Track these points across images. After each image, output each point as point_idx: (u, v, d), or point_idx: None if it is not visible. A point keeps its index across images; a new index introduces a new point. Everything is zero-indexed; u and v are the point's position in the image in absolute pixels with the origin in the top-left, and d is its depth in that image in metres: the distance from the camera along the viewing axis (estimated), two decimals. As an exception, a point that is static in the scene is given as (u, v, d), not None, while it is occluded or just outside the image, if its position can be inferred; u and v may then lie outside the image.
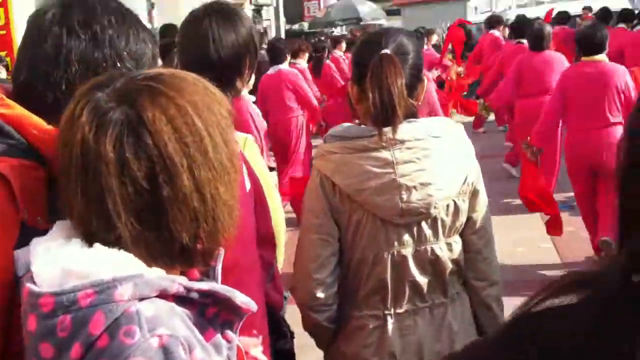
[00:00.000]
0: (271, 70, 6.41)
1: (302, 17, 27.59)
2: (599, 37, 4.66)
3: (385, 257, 1.81)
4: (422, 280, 1.84)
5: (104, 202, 0.92)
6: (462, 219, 1.85)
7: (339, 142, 1.82)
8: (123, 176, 0.92)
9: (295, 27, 25.46)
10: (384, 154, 1.76)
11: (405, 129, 1.76)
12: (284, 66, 6.45)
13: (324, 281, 1.83)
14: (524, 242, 5.18)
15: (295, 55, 7.26)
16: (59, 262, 0.93)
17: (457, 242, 1.87)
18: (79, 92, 0.99)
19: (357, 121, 1.96)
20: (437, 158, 1.77)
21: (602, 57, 4.72)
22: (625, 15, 9.17)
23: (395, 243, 1.81)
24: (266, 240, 1.98)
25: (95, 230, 0.94)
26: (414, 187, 1.75)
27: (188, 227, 0.97)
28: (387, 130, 1.75)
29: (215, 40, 1.92)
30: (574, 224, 5.39)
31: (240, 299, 0.99)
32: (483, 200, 1.88)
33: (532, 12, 13.66)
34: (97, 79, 1.01)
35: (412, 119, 1.79)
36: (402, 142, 1.76)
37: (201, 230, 0.98)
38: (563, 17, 10.64)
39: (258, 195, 2.11)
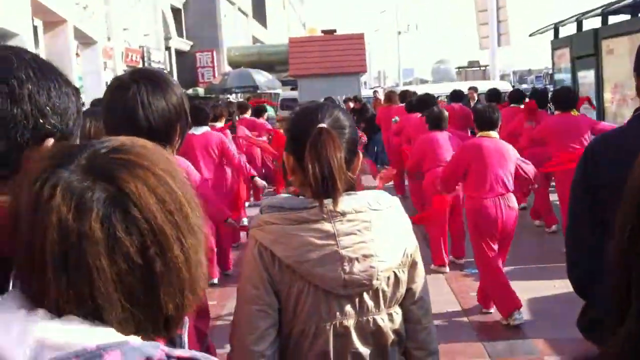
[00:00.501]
0: (195, 130, 6.61)
1: (197, 83, 27.71)
2: (496, 115, 5.25)
3: (328, 329, 1.80)
4: (365, 351, 1.84)
5: (91, 285, 0.87)
6: (402, 290, 1.88)
7: (277, 213, 1.81)
8: (114, 254, 0.87)
9: (190, 92, 25.51)
10: (326, 226, 1.77)
11: (346, 202, 1.78)
12: (208, 128, 6.79)
13: (263, 354, 1.79)
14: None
15: (215, 118, 7.73)
16: (30, 333, 0.85)
17: (397, 313, 1.89)
18: (35, 171, 0.92)
19: (290, 188, 1.97)
20: (378, 230, 1.80)
21: (495, 133, 5.28)
22: (515, 96, 9.96)
23: (338, 314, 1.80)
24: (200, 311, 1.92)
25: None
26: (357, 258, 1.77)
27: (175, 298, 0.93)
28: (328, 202, 1.77)
29: (145, 107, 1.88)
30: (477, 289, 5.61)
31: None
32: (421, 271, 1.93)
33: (418, 89, 14.54)
34: (52, 154, 0.95)
35: (351, 192, 1.83)
36: (343, 214, 1.78)
37: (186, 299, 0.95)
38: (459, 95, 11.43)
39: None
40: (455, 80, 31.73)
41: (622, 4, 8.71)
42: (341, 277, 1.77)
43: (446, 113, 7.00)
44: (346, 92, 16.85)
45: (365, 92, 22.04)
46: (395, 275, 1.85)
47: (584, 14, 10.12)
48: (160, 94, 1.91)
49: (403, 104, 10.89)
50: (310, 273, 1.77)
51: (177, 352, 0.92)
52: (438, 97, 11.95)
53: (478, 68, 34.14)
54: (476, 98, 12.96)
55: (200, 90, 24.51)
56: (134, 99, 1.88)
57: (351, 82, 18.06)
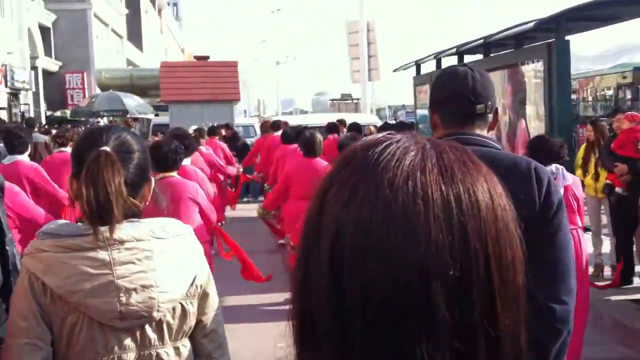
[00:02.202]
0: (6, 160, 5.59)
1: (65, 105, 26.61)
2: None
3: None
4: None
5: None
6: (191, 322, 1.78)
7: (50, 240, 1.68)
8: None
9: (58, 114, 24.39)
10: (101, 254, 1.65)
11: (125, 229, 1.68)
12: (24, 157, 5.66)
13: None
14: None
15: (64, 143, 7.29)
16: None
17: (185, 346, 1.79)
18: None
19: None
20: (161, 260, 1.70)
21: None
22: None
23: (116, 348, 1.68)
24: None
25: None
26: (134, 289, 1.66)
27: None
28: (104, 229, 1.65)
29: None
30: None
31: None
32: (213, 302, 1.84)
33: (296, 120, 14.64)
34: None
35: (133, 219, 1.72)
36: (122, 242, 1.67)
37: None
38: (333, 127, 11.87)
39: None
40: (329, 111, 32.36)
41: (474, 44, 9.21)
42: (117, 308, 1.65)
43: (319, 137, 6.75)
44: (219, 119, 16.68)
45: (246, 120, 21.98)
46: (183, 306, 1.75)
47: (441, 52, 10.62)
48: None
49: (279, 134, 10.82)
50: (82, 304, 1.64)
51: None
52: (315, 127, 12.11)
53: (350, 101, 34.96)
54: (345, 131, 13.23)
55: (68, 113, 23.52)
56: None
57: (225, 110, 17.91)
